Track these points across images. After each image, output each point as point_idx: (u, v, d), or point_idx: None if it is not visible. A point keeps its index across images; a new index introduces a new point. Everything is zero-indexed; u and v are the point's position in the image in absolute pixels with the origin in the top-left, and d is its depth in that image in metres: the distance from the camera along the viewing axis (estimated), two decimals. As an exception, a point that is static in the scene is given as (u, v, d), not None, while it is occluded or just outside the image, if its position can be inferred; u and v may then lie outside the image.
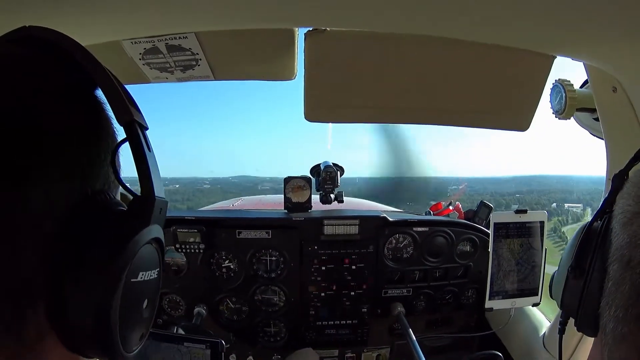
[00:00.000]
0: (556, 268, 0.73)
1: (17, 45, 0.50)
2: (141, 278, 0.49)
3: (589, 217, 0.70)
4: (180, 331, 1.75)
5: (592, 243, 0.62)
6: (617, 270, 0.54)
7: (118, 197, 0.54)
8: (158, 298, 0.55)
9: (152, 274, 0.51)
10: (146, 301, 0.51)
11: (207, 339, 1.43)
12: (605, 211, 0.63)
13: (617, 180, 0.65)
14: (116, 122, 0.51)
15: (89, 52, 0.49)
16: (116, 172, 0.52)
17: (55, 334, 0.45)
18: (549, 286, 0.80)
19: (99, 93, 0.52)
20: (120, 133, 0.52)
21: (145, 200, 0.49)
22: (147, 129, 0.53)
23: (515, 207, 1.82)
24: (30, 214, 0.42)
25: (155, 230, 0.50)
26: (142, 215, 0.49)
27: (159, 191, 0.50)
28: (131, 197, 0.51)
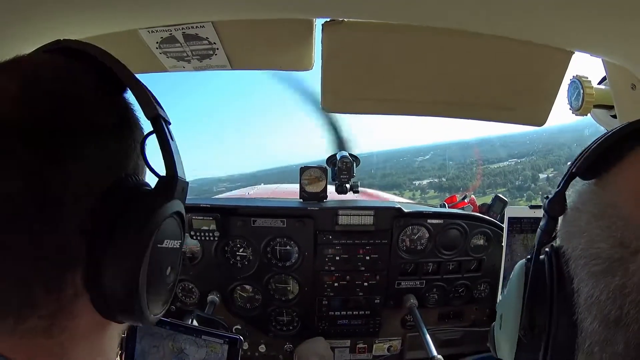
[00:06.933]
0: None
1: (53, 56, 0.57)
2: (166, 245, 0.56)
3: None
4: (195, 322, 1.77)
5: (544, 291, 0.53)
6: (600, 330, 0.46)
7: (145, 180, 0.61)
8: (179, 267, 0.62)
9: (175, 244, 0.58)
10: (169, 268, 0.58)
11: (226, 335, 1.44)
12: (544, 243, 0.56)
13: (556, 206, 0.57)
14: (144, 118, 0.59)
15: (116, 58, 0.56)
16: (145, 159, 0.59)
17: (89, 296, 0.51)
18: (491, 342, 0.67)
19: (127, 94, 0.60)
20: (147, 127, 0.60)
21: (169, 180, 0.57)
22: (170, 123, 0.60)
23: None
24: (72, 191, 0.49)
25: (177, 205, 0.57)
26: (166, 192, 0.56)
27: (180, 173, 0.58)
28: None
